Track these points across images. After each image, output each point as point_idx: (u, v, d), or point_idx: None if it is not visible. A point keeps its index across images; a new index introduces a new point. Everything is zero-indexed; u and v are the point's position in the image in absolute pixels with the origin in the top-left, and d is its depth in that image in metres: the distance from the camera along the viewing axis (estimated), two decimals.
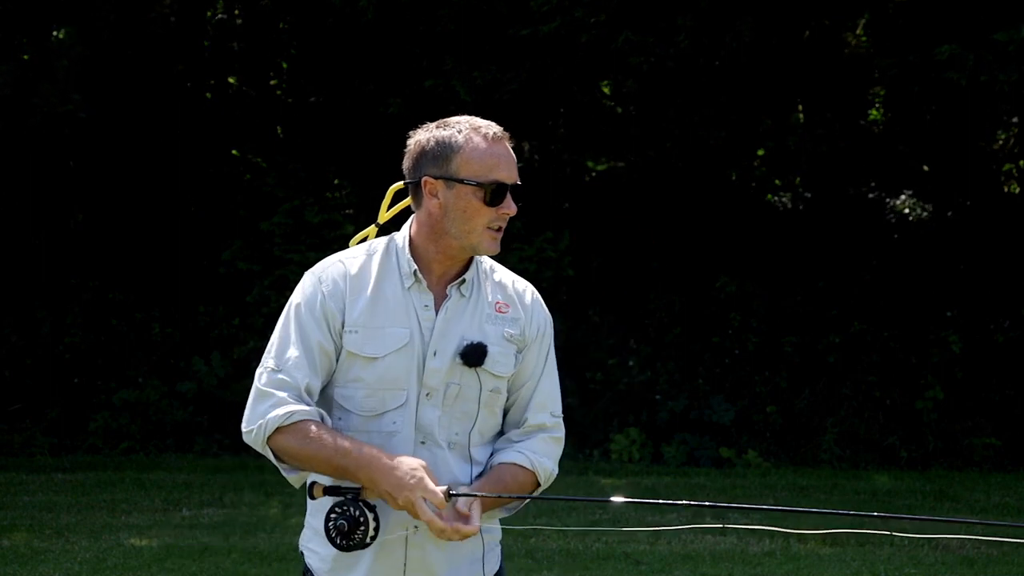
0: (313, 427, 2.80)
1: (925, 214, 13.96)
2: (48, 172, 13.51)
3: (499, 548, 3.05)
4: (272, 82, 14.99)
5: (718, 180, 13.21)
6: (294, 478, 2.91)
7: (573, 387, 12.54)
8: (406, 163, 2.99)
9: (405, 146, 3.01)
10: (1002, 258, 13.00)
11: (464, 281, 2.95)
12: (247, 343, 12.75)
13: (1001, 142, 14.20)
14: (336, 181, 14.39)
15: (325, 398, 2.92)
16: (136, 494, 10.13)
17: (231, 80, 14.85)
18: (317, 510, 2.92)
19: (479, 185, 2.87)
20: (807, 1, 12.69)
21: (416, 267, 2.92)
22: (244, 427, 2.89)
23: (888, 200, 14.20)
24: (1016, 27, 10.59)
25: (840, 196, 13.92)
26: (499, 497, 2.86)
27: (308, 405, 2.84)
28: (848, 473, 11.51)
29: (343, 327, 2.88)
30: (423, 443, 2.88)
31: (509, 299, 3.00)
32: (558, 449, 3.03)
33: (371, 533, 2.79)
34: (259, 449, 2.88)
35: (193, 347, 12.91)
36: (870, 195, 14.18)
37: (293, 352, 2.87)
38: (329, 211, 12.98)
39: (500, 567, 3.05)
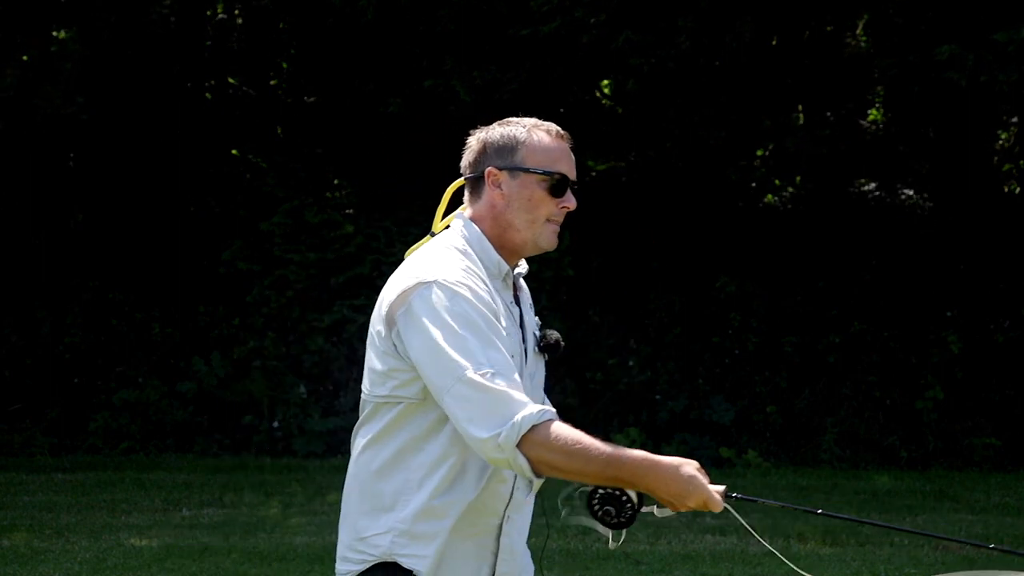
0: (565, 429, 2.72)
1: (925, 214, 13.96)
2: (48, 172, 13.51)
3: None
4: (272, 82, 14.99)
5: (718, 180, 13.20)
6: (536, 483, 2.84)
7: (573, 387, 12.54)
8: (467, 158, 2.99)
9: (464, 145, 3.02)
10: (1002, 258, 13.01)
11: (521, 275, 3.03)
12: (247, 343, 12.75)
13: (1001, 142, 14.20)
14: (336, 181, 14.40)
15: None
16: (136, 494, 10.14)
17: (231, 80, 14.85)
18: (410, 517, 2.87)
19: (544, 174, 2.91)
20: (807, 1, 12.69)
21: (508, 267, 2.94)
22: (482, 434, 2.70)
23: (888, 200, 14.20)
24: (1016, 27, 10.59)
25: (840, 196, 13.93)
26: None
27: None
28: (848, 473, 11.52)
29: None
30: None
31: (527, 291, 3.12)
32: None
33: (635, 502, 2.80)
34: (504, 455, 2.70)
35: (193, 347, 12.91)
36: (870, 195, 14.19)
37: (496, 353, 2.76)
38: (329, 211, 12.97)
39: None
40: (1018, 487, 10.78)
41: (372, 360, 2.91)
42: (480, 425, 2.70)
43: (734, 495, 2.81)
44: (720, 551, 8.18)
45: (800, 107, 13.99)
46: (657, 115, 12.90)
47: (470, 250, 2.91)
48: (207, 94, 14.70)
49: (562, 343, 2.99)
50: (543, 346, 2.97)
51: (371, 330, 2.92)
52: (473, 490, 2.87)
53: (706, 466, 10.43)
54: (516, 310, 2.96)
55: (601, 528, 2.81)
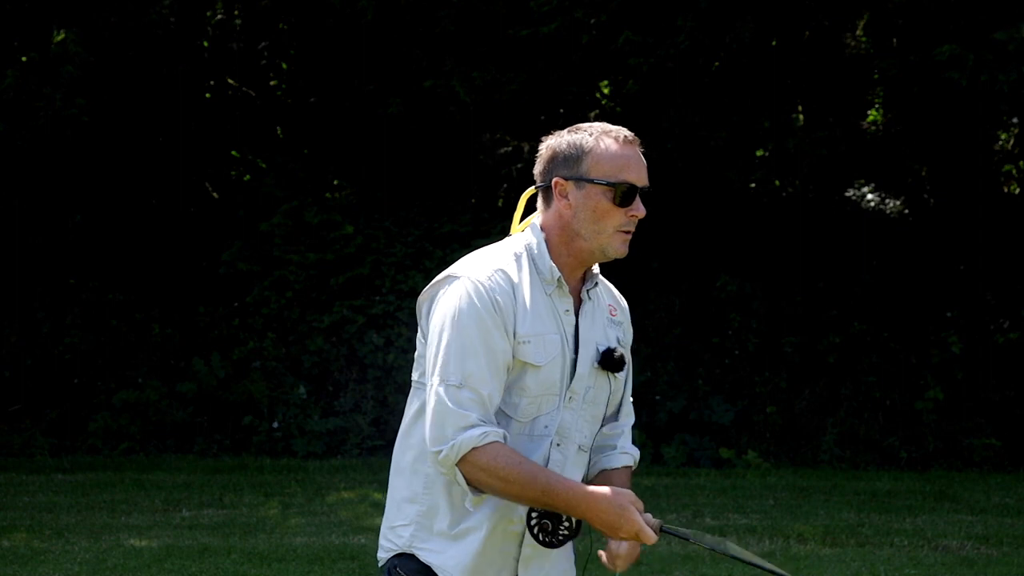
0: (506, 454, 2.75)
1: (925, 214, 13.95)
2: (48, 173, 13.51)
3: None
4: (272, 82, 14.99)
5: (718, 180, 13.20)
6: (475, 499, 2.85)
7: None
8: (538, 167, 3.00)
9: (537, 152, 3.02)
10: (1002, 259, 13.00)
11: (596, 285, 3.00)
12: (247, 344, 12.76)
13: (1001, 143, 14.20)
14: (336, 181, 14.40)
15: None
16: (136, 494, 10.13)
17: (231, 80, 14.85)
18: (432, 513, 2.90)
19: (609, 185, 2.88)
20: (807, 1, 12.68)
21: (560, 273, 2.92)
22: (432, 447, 2.79)
23: (888, 200, 14.19)
24: (1016, 26, 10.59)
25: (840, 196, 13.92)
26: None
27: (494, 424, 2.80)
28: (848, 474, 11.51)
29: (515, 336, 2.85)
30: (559, 445, 2.91)
31: (616, 303, 3.08)
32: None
33: (572, 525, 2.85)
34: (445, 470, 2.79)
35: (193, 347, 12.91)
36: (869, 195, 14.18)
37: (474, 364, 2.79)
38: (329, 211, 12.97)
39: None
40: (1018, 487, 10.77)
41: (418, 344, 2.99)
42: (431, 436, 2.79)
43: (667, 528, 2.87)
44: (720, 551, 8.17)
45: (800, 107, 13.98)
46: (657, 115, 12.89)
47: (525, 255, 2.93)
48: (207, 94, 14.69)
49: (624, 359, 2.97)
50: (601, 360, 2.93)
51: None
52: (493, 499, 2.89)
53: (706, 466, 10.42)
54: (572, 319, 2.93)
55: (531, 537, 2.88)
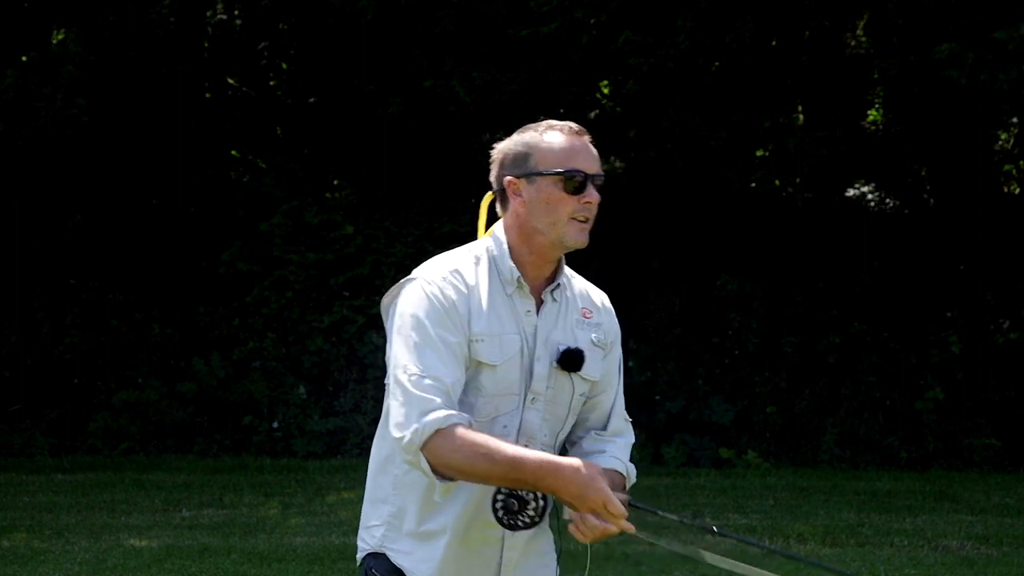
0: (470, 436, 2.75)
1: (925, 214, 13.95)
2: (48, 173, 13.51)
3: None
4: (272, 82, 14.99)
5: (718, 180, 13.20)
6: (443, 487, 2.84)
7: None
8: (492, 173, 3.02)
9: (490, 156, 3.04)
10: (1002, 258, 13.00)
11: (558, 286, 2.99)
12: (247, 344, 12.75)
13: (1001, 142, 14.20)
14: (336, 181, 14.40)
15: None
16: (136, 494, 10.13)
17: (231, 80, 14.85)
18: (402, 514, 2.92)
19: (558, 174, 2.91)
20: (807, 1, 12.69)
21: (519, 273, 2.94)
22: (396, 433, 2.79)
23: (888, 200, 14.20)
24: (1016, 26, 10.59)
25: (840, 196, 13.92)
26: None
27: (457, 409, 2.81)
28: (848, 474, 11.51)
29: (471, 334, 2.87)
30: (525, 446, 2.89)
31: (592, 305, 3.06)
32: (631, 447, 3.13)
33: (539, 512, 2.83)
34: (410, 456, 2.78)
35: (193, 347, 12.91)
36: (869, 195, 14.18)
37: (433, 356, 2.81)
38: (329, 211, 12.97)
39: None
40: (1018, 487, 10.77)
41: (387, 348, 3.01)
42: (395, 424, 2.79)
43: (635, 503, 2.84)
44: (720, 551, 8.17)
45: (800, 107, 13.98)
46: (657, 115, 12.89)
47: (485, 257, 2.95)
48: (207, 94, 14.69)
49: (580, 354, 2.94)
50: (560, 360, 2.93)
51: None
52: (465, 497, 2.89)
53: (706, 466, 10.41)
54: (534, 320, 2.93)
55: (494, 517, 2.84)
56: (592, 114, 14.34)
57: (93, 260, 13.43)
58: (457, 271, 2.91)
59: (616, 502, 2.76)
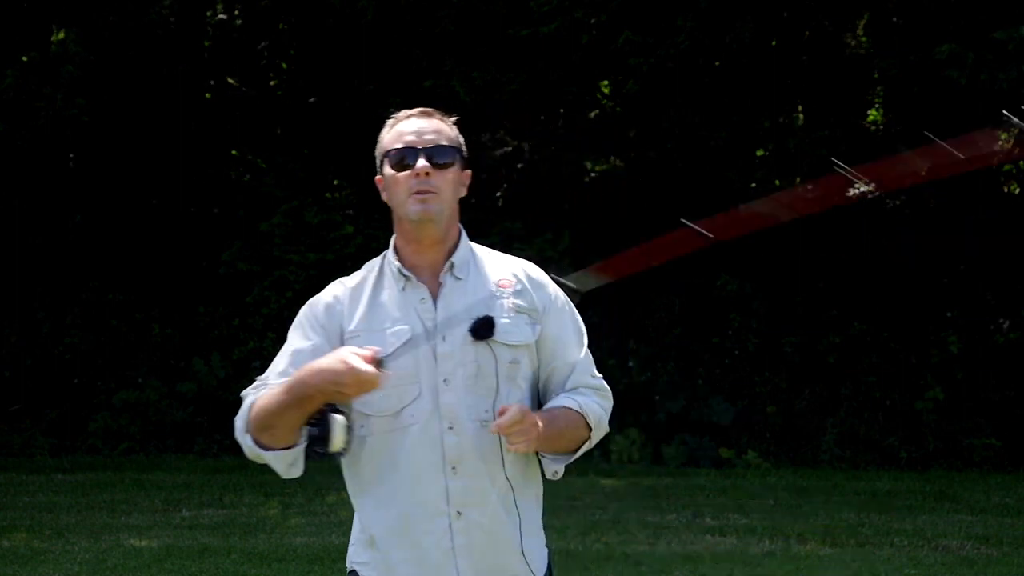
0: (265, 395, 2.91)
1: (925, 214, 13.95)
2: (48, 173, 13.51)
3: (546, 550, 3.06)
4: (272, 82, 14.99)
5: (718, 180, 13.21)
6: (283, 464, 2.94)
7: None
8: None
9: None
10: (1002, 258, 13.00)
11: (453, 265, 3.02)
12: (247, 343, 12.76)
13: (1001, 142, 14.18)
14: (336, 182, 14.40)
15: (349, 412, 2.95)
16: (136, 494, 10.14)
17: (231, 80, 14.85)
18: (358, 526, 3.01)
19: (386, 157, 3.01)
20: (807, 1, 12.69)
21: (400, 265, 3.00)
22: (237, 437, 2.96)
23: (888, 201, 14.19)
24: (1016, 26, 10.59)
25: (840, 196, 13.91)
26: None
27: None
28: (848, 473, 11.51)
29: (344, 334, 2.95)
30: (451, 428, 2.91)
31: (511, 276, 3.07)
32: (606, 403, 3.10)
33: (342, 439, 2.87)
34: (248, 448, 2.92)
35: (193, 347, 12.91)
36: (870, 195, 14.16)
37: (281, 361, 2.99)
38: (329, 212, 12.97)
39: (549, 568, 3.06)
40: (1018, 487, 10.77)
41: None
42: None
43: (387, 357, 2.82)
44: (720, 551, 8.18)
45: (800, 107, 13.98)
46: (657, 115, 12.90)
47: (380, 261, 3.06)
48: (207, 94, 14.70)
49: (490, 321, 2.94)
50: (473, 330, 2.93)
51: None
52: (393, 496, 2.92)
53: (706, 466, 10.39)
54: (429, 306, 2.97)
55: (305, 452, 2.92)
56: (592, 114, 14.35)
57: (93, 260, 13.43)
58: (342, 282, 3.03)
59: (364, 367, 2.76)
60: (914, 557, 8.04)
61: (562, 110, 13.94)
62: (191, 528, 8.87)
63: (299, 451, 2.91)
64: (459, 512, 2.89)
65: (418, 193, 2.97)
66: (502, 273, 3.06)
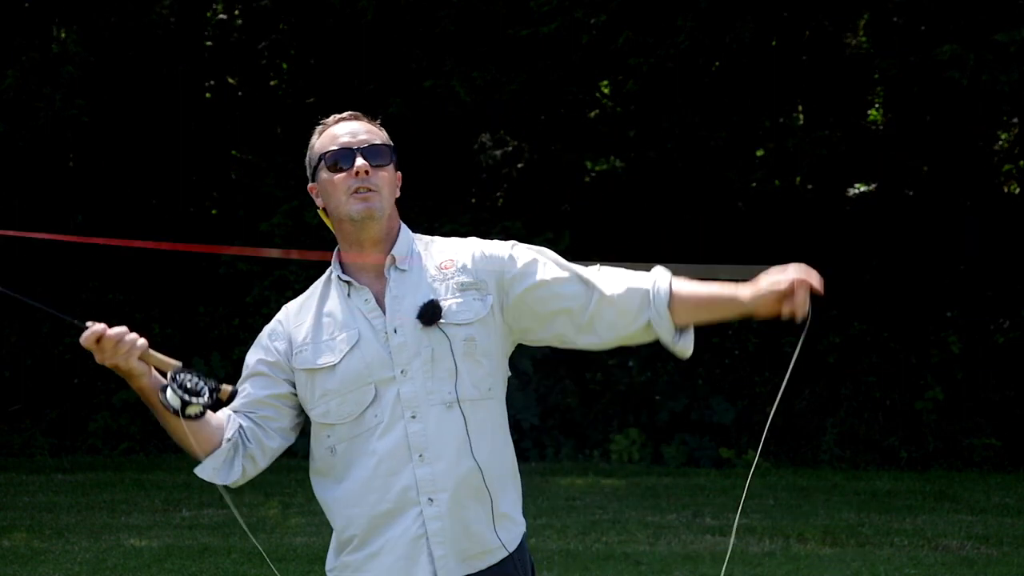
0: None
1: (925, 214, 13.95)
2: (49, 173, 13.51)
3: (522, 527, 3.05)
4: (272, 82, 14.98)
5: (718, 180, 13.21)
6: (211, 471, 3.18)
7: (573, 388, 12.54)
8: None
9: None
10: (1002, 258, 13.00)
11: (395, 259, 3.02)
12: (247, 344, 12.72)
13: (1001, 143, 14.20)
14: None
15: (312, 427, 3.05)
16: (136, 494, 10.14)
17: (231, 80, 14.85)
18: (335, 538, 3.13)
19: (321, 161, 3.04)
20: (807, 1, 12.69)
21: (339, 271, 3.07)
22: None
23: (888, 200, 14.19)
24: (1017, 28, 10.59)
25: (840, 196, 13.92)
26: None
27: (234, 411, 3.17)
28: (848, 474, 11.51)
29: (292, 351, 3.04)
30: (414, 417, 2.92)
31: (451, 255, 3.06)
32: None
33: (176, 399, 3.10)
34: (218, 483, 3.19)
35: (193, 347, 12.91)
36: (870, 195, 14.18)
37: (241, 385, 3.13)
38: None
39: (525, 552, 3.05)
40: (1018, 487, 10.77)
41: None
42: None
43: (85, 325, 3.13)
44: (720, 551, 8.18)
45: (800, 107, 13.98)
46: (657, 115, 12.90)
47: (324, 275, 3.15)
48: (207, 94, 14.70)
49: (433, 305, 2.96)
50: (419, 317, 2.95)
51: None
52: (365, 494, 2.98)
53: (706, 466, 10.43)
54: (373, 306, 2.99)
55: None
56: (592, 114, 14.35)
57: (93, 260, 13.43)
58: (286, 306, 3.16)
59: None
60: (914, 557, 8.04)
61: (562, 110, 13.94)
62: (191, 528, 8.87)
63: (221, 452, 3.16)
64: (430, 499, 2.90)
65: (357, 192, 3.00)
66: (446, 255, 3.05)
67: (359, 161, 2.99)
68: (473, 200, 13.66)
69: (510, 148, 14.04)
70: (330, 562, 3.10)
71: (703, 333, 12.20)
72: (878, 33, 13.03)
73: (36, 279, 13.29)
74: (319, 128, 3.12)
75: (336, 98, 13.87)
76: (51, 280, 13.32)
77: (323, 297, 3.08)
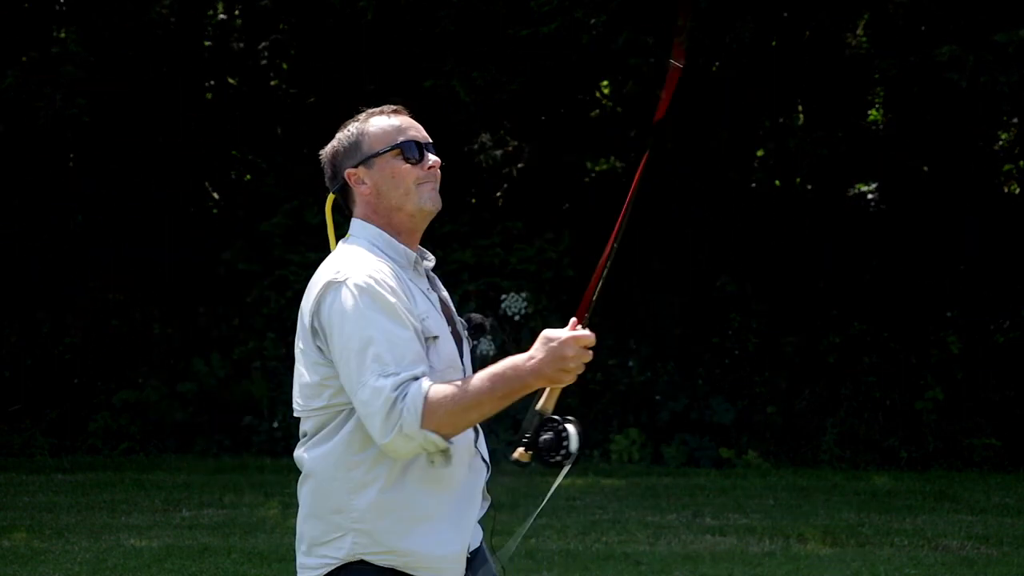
0: (444, 388, 2.72)
1: (925, 214, 13.95)
2: (49, 173, 13.51)
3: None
4: (272, 82, 14.98)
5: (718, 180, 13.21)
6: (443, 456, 2.84)
7: (573, 387, 12.49)
8: (327, 175, 3.11)
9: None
10: (1002, 258, 13.00)
11: (426, 257, 3.06)
12: (247, 343, 12.75)
13: (1001, 143, 14.20)
14: None
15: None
16: (136, 494, 10.14)
17: (231, 80, 14.85)
18: (368, 517, 2.84)
19: (394, 148, 2.97)
20: (807, 1, 12.69)
21: (414, 254, 2.99)
22: (383, 439, 2.72)
23: (888, 200, 14.19)
24: (1016, 28, 10.59)
25: (841, 196, 13.93)
26: None
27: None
28: (848, 474, 11.51)
29: (413, 315, 2.86)
30: None
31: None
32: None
33: (573, 445, 2.87)
34: (416, 442, 2.71)
35: (193, 347, 12.91)
36: (869, 195, 14.19)
37: (400, 347, 2.76)
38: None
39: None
40: (1018, 487, 10.78)
41: (302, 375, 2.92)
42: (380, 431, 2.71)
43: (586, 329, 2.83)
44: (720, 551, 8.18)
45: (800, 107, 13.98)
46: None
47: (375, 246, 2.96)
48: (207, 94, 14.70)
49: (486, 324, 3.03)
50: (472, 330, 3.00)
51: (296, 344, 2.96)
52: (452, 475, 2.89)
53: (706, 466, 10.44)
54: (435, 295, 2.99)
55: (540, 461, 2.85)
56: (592, 114, 14.35)
57: (93, 260, 13.43)
58: (377, 261, 2.89)
59: (580, 333, 2.81)
60: (914, 557, 8.05)
61: (562, 110, 13.94)
62: (191, 528, 8.87)
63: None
64: (470, 464, 2.97)
65: (425, 185, 2.97)
66: (436, 279, 3.14)
67: (433, 157, 3.00)
68: (473, 200, 13.66)
69: (510, 148, 14.05)
70: (365, 522, 2.86)
71: (703, 333, 12.26)
72: (878, 33, 13.03)
73: (37, 279, 13.30)
74: (365, 115, 3.05)
75: (336, 98, 13.88)
76: (51, 280, 13.32)
77: (396, 272, 2.90)
